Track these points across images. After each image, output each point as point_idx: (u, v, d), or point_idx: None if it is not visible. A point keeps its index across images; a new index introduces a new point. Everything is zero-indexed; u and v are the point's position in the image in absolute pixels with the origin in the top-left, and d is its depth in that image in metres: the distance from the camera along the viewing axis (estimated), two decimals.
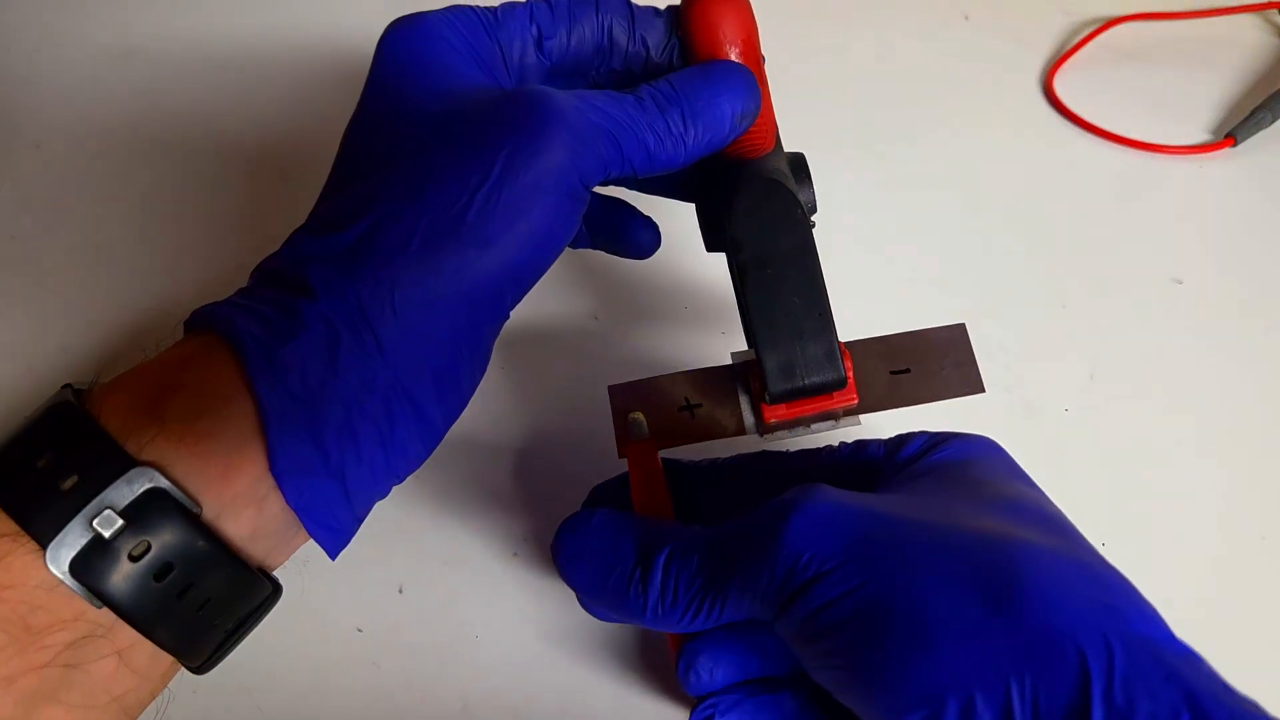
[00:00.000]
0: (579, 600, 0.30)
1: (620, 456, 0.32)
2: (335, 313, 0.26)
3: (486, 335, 0.28)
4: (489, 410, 0.40)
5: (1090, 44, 0.53)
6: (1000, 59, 0.53)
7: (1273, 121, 0.48)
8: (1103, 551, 0.29)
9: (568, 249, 0.35)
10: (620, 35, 0.30)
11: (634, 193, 0.36)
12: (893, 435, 0.31)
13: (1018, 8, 0.56)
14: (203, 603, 0.25)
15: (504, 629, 0.34)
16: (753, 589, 0.26)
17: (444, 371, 0.27)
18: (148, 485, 0.24)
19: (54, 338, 0.42)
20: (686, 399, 0.32)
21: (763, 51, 0.30)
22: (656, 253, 0.36)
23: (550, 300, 0.43)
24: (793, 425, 0.31)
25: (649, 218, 0.36)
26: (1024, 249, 0.45)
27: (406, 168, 0.27)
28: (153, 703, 0.27)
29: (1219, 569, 0.36)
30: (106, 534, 0.23)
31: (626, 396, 0.32)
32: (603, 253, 0.37)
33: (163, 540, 0.24)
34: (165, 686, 0.27)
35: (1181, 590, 0.35)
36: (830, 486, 0.27)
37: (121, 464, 0.24)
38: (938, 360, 0.32)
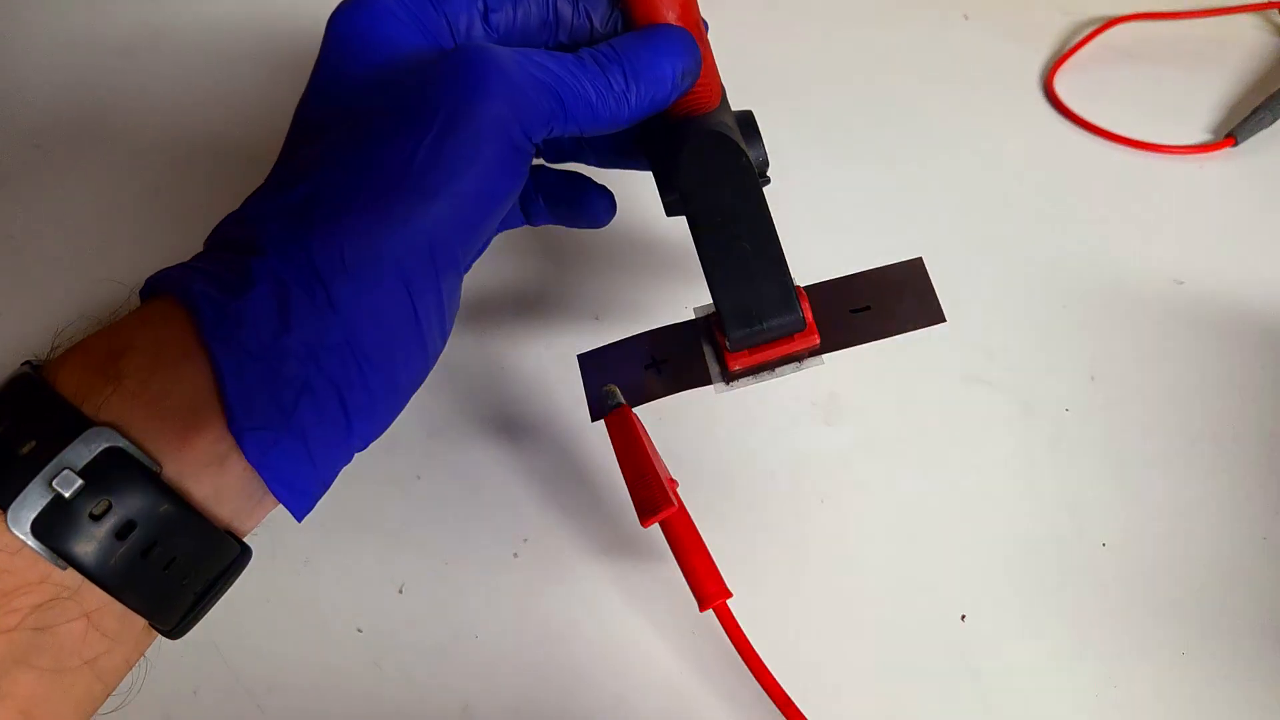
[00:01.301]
0: None
1: (593, 421, 0.33)
2: (285, 269, 0.26)
3: (442, 291, 0.28)
4: (489, 410, 0.40)
5: (1090, 44, 0.53)
6: (1000, 59, 0.53)
7: (1273, 121, 0.48)
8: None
9: (529, 228, 0.36)
10: (565, 8, 0.31)
11: (595, 169, 0.37)
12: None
13: (1018, 8, 0.56)
14: (168, 562, 0.25)
15: (504, 629, 0.34)
16: None
17: (400, 329, 0.27)
18: (105, 445, 0.24)
19: (51, 337, 0.42)
20: (653, 357, 0.33)
21: (704, 16, 0.32)
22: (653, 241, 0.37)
23: (553, 302, 0.43)
24: (757, 371, 0.32)
25: (604, 186, 0.36)
26: (1024, 249, 0.45)
27: (352, 127, 0.28)
28: (130, 673, 0.27)
29: (1220, 569, 0.36)
30: (66, 494, 0.23)
31: (596, 361, 0.33)
32: (601, 240, 0.37)
33: (124, 499, 0.24)
34: (141, 654, 0.27)
35: (1183, 591, 0.35)
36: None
37: (78, 424, 0.24)
38: (896, 295, 0.32)
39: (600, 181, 0.37)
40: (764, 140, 0.33)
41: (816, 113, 0.51)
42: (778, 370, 0.32)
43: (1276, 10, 0.54)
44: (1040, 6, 0.56)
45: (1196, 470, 0.38)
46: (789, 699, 0.31)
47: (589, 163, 0.37)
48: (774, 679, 0.32)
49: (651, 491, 0.30)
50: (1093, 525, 0.37)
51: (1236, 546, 0.36)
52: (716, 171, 0.31)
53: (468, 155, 0.27)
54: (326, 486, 0.28)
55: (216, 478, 0.26)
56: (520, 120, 0.27)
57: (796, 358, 0.32)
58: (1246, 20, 0.55)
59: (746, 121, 0.33)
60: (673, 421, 0.38)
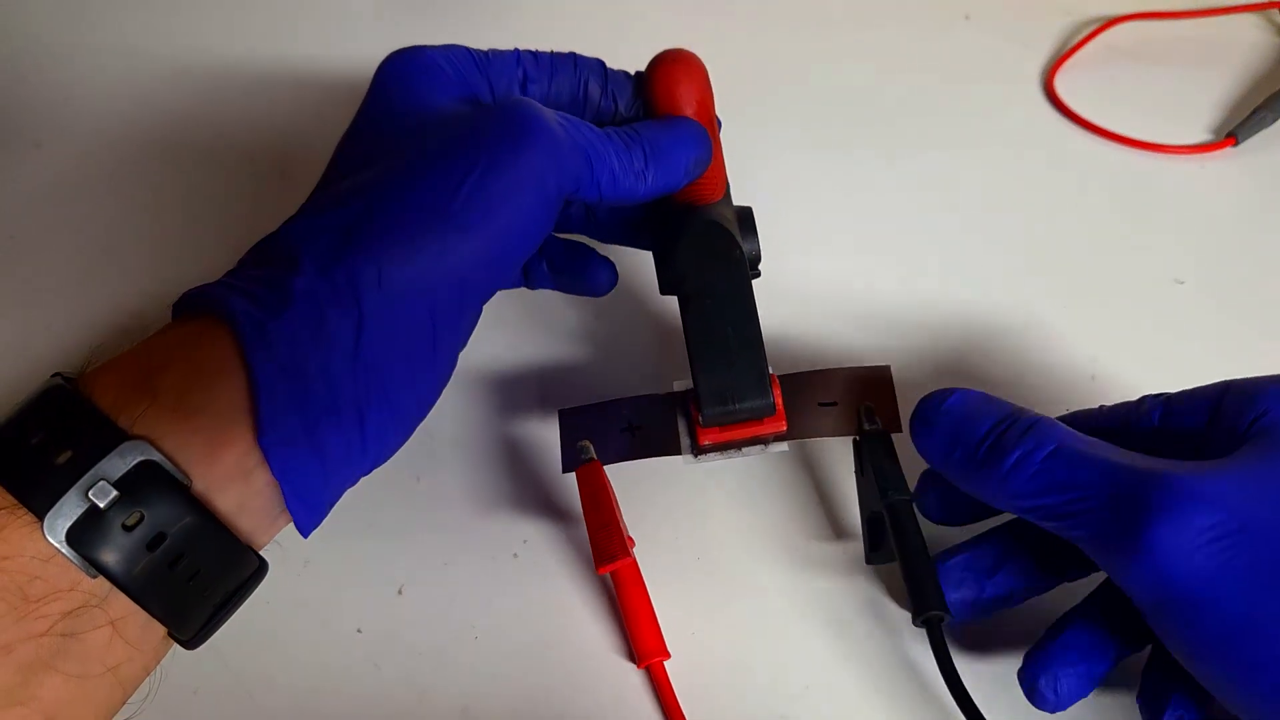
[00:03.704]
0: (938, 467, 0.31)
1: (564, 472, 0.35)
2: (322, 288, 0.27)
3: (460, 325, 0.29)
4: (489, 410, 0.40)
5: (1091, 44, 0.53)
6: (1000, 59, 0.53)
7: (1274, 121, 0.48)
8: None
9: (531, 291, 0.39)
10: (594, 90, 0.34)
11: (597, 243, 0.39)
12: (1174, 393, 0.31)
13: (1018, 8, 0.56)
14: (193, 574, 0.26)
15: (504, 629, 0.34)
16: (1103, 562, 0.27)
17: (420, 356, 0.28)
18: (140, 458, 0.24)
19: (54, 338, 0.42)
20: (630, 422, 0.35)
21: (719, 116, 0.35)
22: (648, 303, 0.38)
23: (551, 317, 0.43)
24: (724, 448, 0.34)
25: (607, 257, 0.38)
26: (1024, 249, 0.45)
27: (400, 161, 0.29)
28: (146, 680, 0.27)
29: None
30: (101, 504, 0.24)
31: (575, 418, 0.36)
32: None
33: (155, 511, 0.25)
34: (158, 663, 0.27)
35: None
36: (1192, 476, 0.26)
37: (114, 438, 0.24)
38: (861, 397, 0.35)
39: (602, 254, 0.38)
40: (759, 237, 0.36)
41: (816, 112, 0.51)
42: (744, 450, 0.34)
43: (1276, 10, 0.54)
44: (1041, 6, 0.55)
45: None
46: None
47: (593, 236, 0.39)
48: None
49: (611, 541, 0.32)
50: None
51: None
52: (711, 259, 0.33)
53: (504, 199, 0.28)
54: (332, 505, 0.29)
55: (241, 492, 0.26)
56: (556, 173, 0.29)
57: (763, 440, 0.34)
58: (1246, 20, 0.54)
59: (745, 217, 0.36)
60: (640, 488, 0.37)
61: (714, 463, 0.35)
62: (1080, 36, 0.54)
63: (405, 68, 0.32)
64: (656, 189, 0.32)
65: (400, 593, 0.35)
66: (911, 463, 0.32)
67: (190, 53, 0.54)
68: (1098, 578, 0.32)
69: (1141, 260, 0.44)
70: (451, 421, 0.39)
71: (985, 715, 0.29)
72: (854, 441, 0.34)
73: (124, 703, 0.27)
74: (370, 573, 0.36)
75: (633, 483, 0.36)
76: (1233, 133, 0.48)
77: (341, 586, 0.35)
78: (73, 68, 0.54)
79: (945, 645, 0.30)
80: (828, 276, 0.44)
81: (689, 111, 0.33)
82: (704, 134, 0.33)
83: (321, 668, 0.34)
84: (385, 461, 0.29)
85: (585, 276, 0.38)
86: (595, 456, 0.34)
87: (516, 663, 0.34)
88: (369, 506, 0.37)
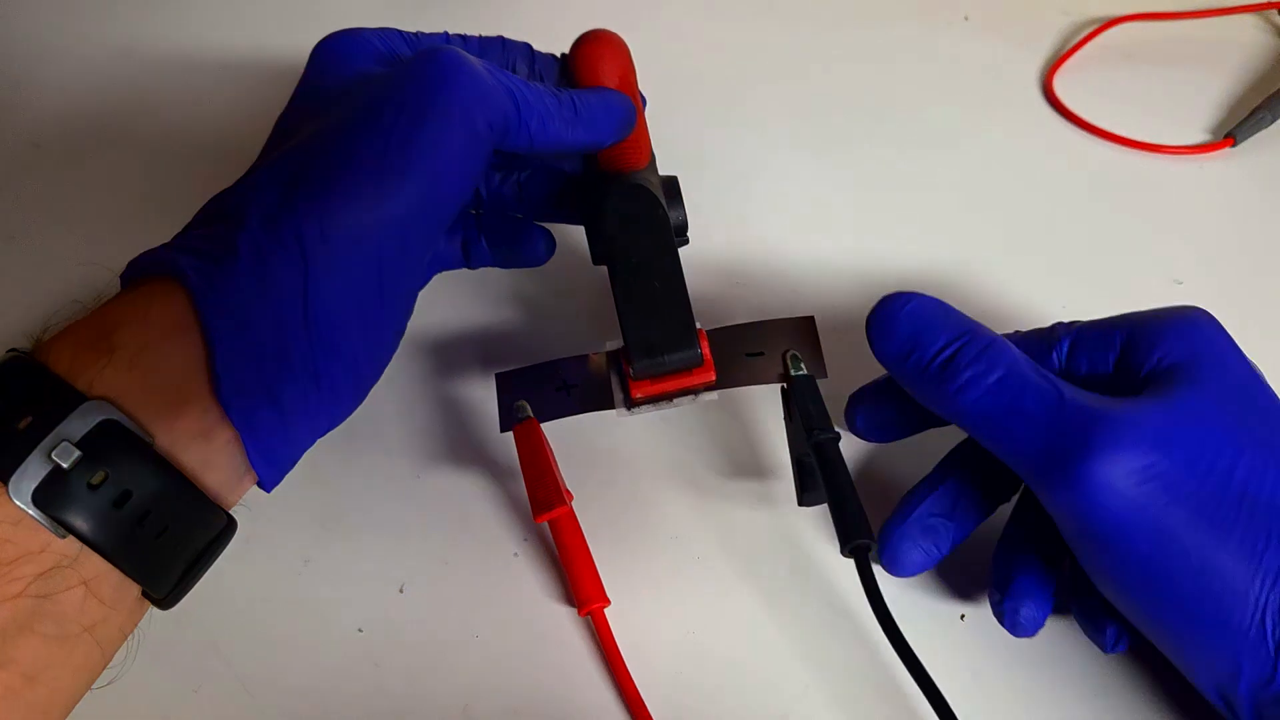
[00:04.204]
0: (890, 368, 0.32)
1: (501, 432, 0.35)
2: (266, 241, 0.27)
3: (405, 273, 0.30)
4: (488, 410, 0.40)
5: (1090, 44, 0.53)
6: (1000, 59, 0.53)
7: (1273, 121, 0.48)
8: None
9: (478, 270, 0.40)
10: (522, 70, 0.36)
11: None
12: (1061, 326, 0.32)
13: (1018, 8, 0.56)
14: (161, 529, 0.26)
15: (504, 629, 0.34)
16: (1035, 485, 0.28)
17: (368, 308, 0.29)
18: (101, 418, 0.25)
19: (41, 323, 0.42)
20: (564, 381, 0.36)
21: (642, 89, 0.36)
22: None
23: (528, 312, 0.43)
24: (656, 400, 0.35)
25: (544, 228, 0.39)
26: (1022, 249, 0.45)
27: (334, 118, 0.30)
28: (125, 645, 0.27)
29: None
30: (65, 464, 0.24)
31: (511, 380, 0.37)
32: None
33: (120, 470, 0.25)
34: (135, 625, 0.28)
35: None
36: (1130, 416, 0.27)
37: (73, 399, 0.25)
38: (787, 346, 0.35)
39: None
40: (685, 204, 0.37)
41: (816, 113, 0.51)
42: (675, 400, 0.35)
43: (1276, 10, 0.55)
44: (1040, 7, 0.56)
45: None
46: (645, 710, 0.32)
47: (525, 214, 0.40)
48: (636, 691, 0.32)
49: (548, 492, 0.33)
50: None
51: None
52: (636, 218, 0.35)
53: (435, 140, 0.29)
54: (294, 462, 0.29)
55: (204, 448, 0.27)
56: (483, 110, 0.30)
57: (693, 391, 0.35)
58: (1246, 20, 0.55)
59: (671, 184, 0.37)
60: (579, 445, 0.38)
61: (647, 414, 0.36)
62: (1079, 37, 0.54)
63: (339, 44, 0.33)
64: (583, 139, 0.33)
65: (400, 592, 0.35)
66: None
67: (193, 50, 0.54)
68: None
69: (1140, 260, 0.44)
70: (452, 421, 0.39)
71: (915, 649, 0.30)
72: (781, 390, 0.35)
73: (104, 665, 0.27)
74: (370, 572, 0.36)
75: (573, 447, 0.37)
76: (1231, 133, 0.48)
77: (341, 586, 0.35)
78: (72, 68, 0.54)
79: (873, 575, 0.30)
80: (827, 276, 0.44)
81: (612, 85, 0.35)
82: (628, 100, 0.35)
83: (322, 667, 0.34)
84: (344, 418, 0.30)
85: (524, 246, 0.39)
86: (531, 415, 0.35)
87: (517, 663, 0.34)
88: (369, 506, 0.37)
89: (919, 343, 0.31)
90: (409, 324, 0.32)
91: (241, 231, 0.27)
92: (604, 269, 0.35)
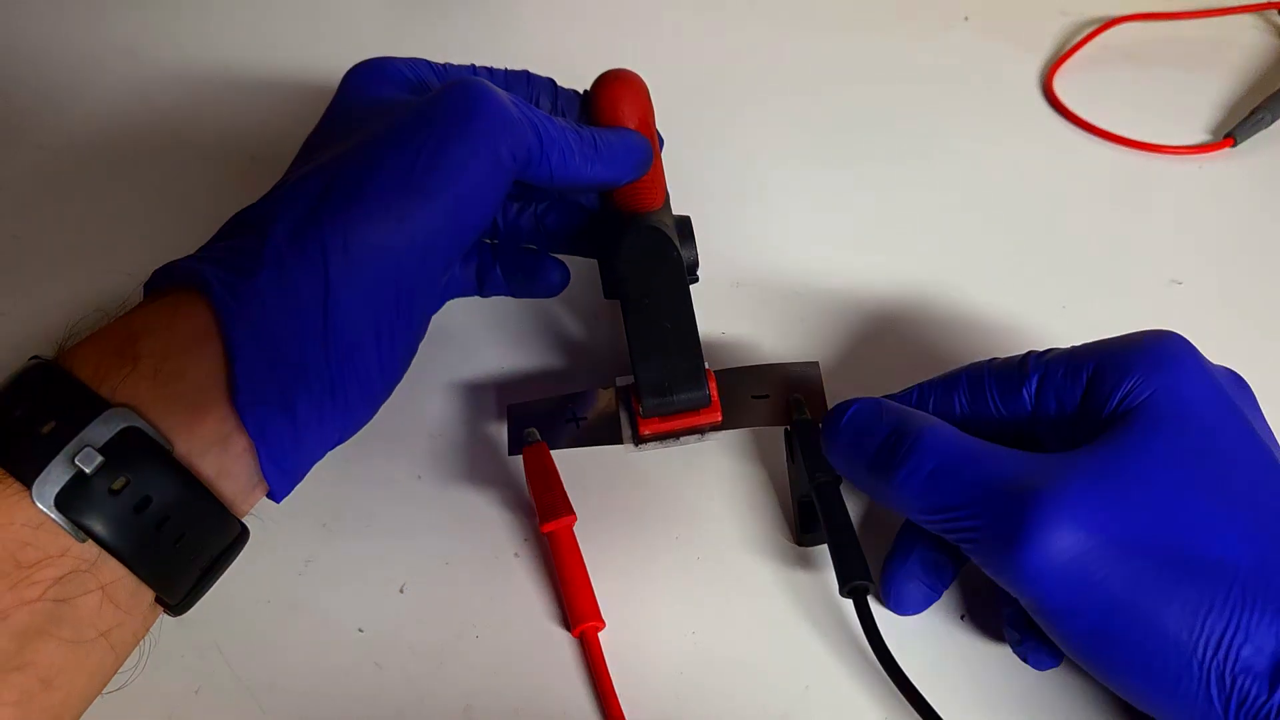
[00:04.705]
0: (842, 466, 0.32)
1: (510, 455, 0.37)
2: (290, 255, 0.28)
3: (423, 292, 0.31)
4: (488, 411, 0.40)
5: (1090, 44, 0.53)
6: (1000, 59, 0.53)
7: (1273, 122, 0.48)
8: None
9: (490, 300, 0.41)
10: (545, 104, 0.37)
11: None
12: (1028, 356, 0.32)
13: (1018, 8, 0.56)
14: (179, 536, 0.26)
15: (505, 629, 0.35)
16: (987, 570, 0.28)
17: (385, 323, 0.30)
18: (123, 424, 0.25)
19: (57, 337, 0.42)
20: (575, 414, 0.37)
21: (659, 131, 0.38)
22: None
23: (538, 320, 0.43)
24: (664, 438, 0.36)
25: (558, 259, 0.40)
26: (1023, 250, 0.45)
27: (363, 137, 0.31)
28: (137, 649, 0.28)
29: None
30: (88, 470, 0.24)
31: (522, 411, 0.37)
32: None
33: (140, 476, 0.25)
34: (147, 630, 0.28)
35: None
36: (1059, 492, 0.27)
37: (97, 406, 0.25)
38: (792, 391, 0.36)
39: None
40: (697, 245, 0.38)
41: (816, 114, 0.51)
42: (682, 439, 0.36)
43: (1276, 10, 0.55)
44: (1040, 7, 0.56)
45: None
46: None
47: (542, 246, 0.40)
48: (619, 706, 0.32)
49: (555, 501, 0.34)
50: None
51: None
52: (650, 260, 0.35)
53: (460, 165, 0.30)
54: (303, 474, 0.30)
55: (221, 457, 0.27)
56: (508, 141, 0.31)
57: (700, 430, 0.36)
58: (1246, 20, 0.55)
59: (683, 224, 0.38)
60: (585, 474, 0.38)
61: (654, 450, 0.36)
62: (1079, 37, 0.54)
63: (369, 71, 0.35)
64: (604, 177, 0.34)
65: (401, 592, 0.35)
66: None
67: (195, 55, 0.54)
68: None
69: (1139, 261, 0.44)
70: (452, 422, 0.40)
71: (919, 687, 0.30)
72: (785, 431, 0.35)
73: (116, 669, 0.27)
74: (371, 572, 0.36)
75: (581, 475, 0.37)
76: (1231, 133, 0.48)
77: (342, 586, 0.36)
78: (73, 69, 0.54)
79: (871, 615, 0.31)
80: (826, 275, 0.44)
81: (631, 125, 0.36)
82: (646, 141, 0.36)
83: (323, 667, 0.34)
84: (353, 432, 0.31)
85: (538, 277, 0.39)
86: (540, 439, 0.36)
87: (517, 662, 0.34)
88: (369, 506, 0.37)
89: (860, 446, 0.31)
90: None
91: (266, 242, 0.28)
92: (615, 301, 0.36)
